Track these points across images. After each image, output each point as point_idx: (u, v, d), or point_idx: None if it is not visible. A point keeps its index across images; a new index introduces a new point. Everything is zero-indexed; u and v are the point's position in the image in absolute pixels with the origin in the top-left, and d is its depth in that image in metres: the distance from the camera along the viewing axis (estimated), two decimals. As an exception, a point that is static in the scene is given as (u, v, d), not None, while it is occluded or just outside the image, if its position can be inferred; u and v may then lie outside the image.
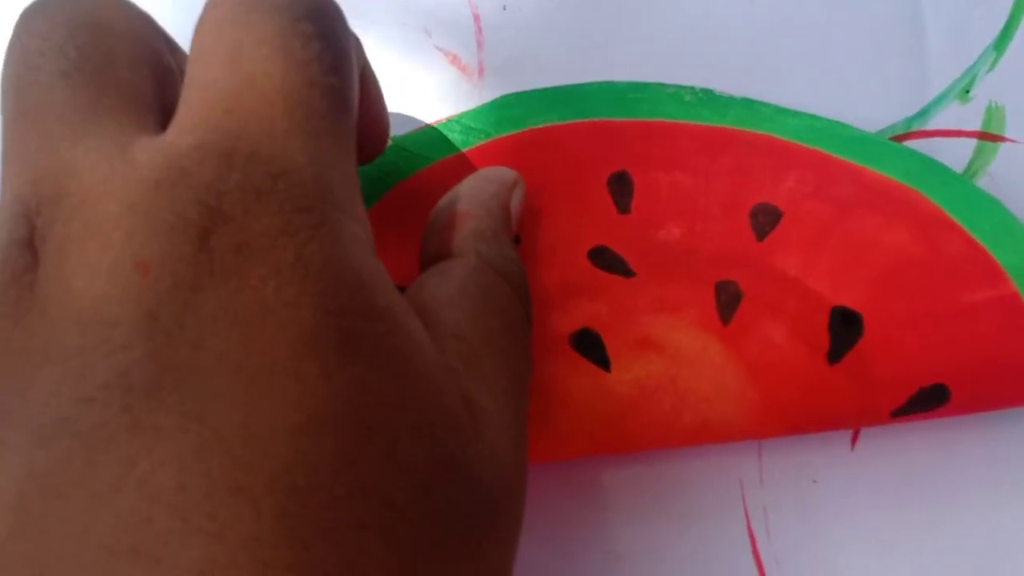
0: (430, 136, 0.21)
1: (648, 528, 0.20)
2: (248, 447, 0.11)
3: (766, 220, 0.19)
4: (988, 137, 0.22)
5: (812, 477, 0.20)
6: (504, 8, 0.22)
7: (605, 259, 0.20)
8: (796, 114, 0.21)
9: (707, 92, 0.21)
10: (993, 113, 0.22)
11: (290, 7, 0.13)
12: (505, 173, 0.19)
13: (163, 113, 0.14)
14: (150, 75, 0.14)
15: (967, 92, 0.22)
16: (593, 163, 0.20)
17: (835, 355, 0.19)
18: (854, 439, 0.20)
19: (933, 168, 0.20)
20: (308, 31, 0.13)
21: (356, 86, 0.14)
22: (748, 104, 0.21)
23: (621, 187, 0.20)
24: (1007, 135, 0.21)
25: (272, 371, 0.11)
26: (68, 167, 0.12)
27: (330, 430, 0.11)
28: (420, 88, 0.18)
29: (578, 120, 0.21)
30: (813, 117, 0.21)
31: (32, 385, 0.11)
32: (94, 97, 0.13)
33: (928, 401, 0.18)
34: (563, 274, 0.20)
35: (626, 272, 0.20)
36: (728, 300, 0.19)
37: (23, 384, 0.11)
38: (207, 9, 0.14)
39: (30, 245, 0.12)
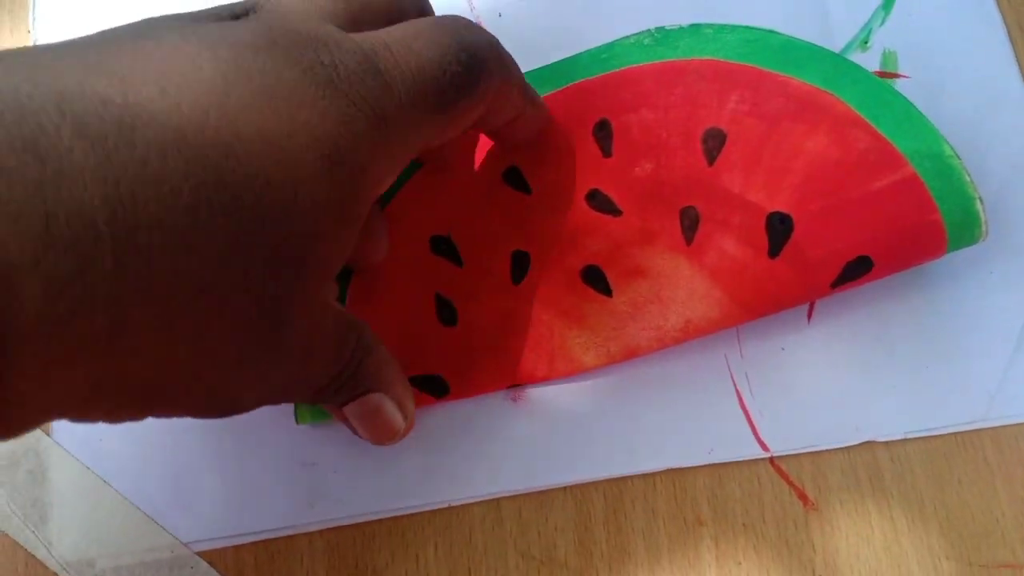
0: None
1: (661, 397, 0.25)
2: None
3: (714, 144, 0.24)
4: (886, 75, 0.27)
5: (781, 346, 0.25)
6: (500, 16, 0.28)
7: (599, 201, 0.25)
8: (734, 29, 0.25)
9: (660, 30, 0.25)
10: (888, 56, 0.28)
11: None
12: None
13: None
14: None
15: (866, 43, 0.28)
16: (580, 117, 0.25)
17: (774, 251, 0.23)
18: (809, 315, 0.25)
19: (845, 68, 0.24)
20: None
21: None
22: (694, 29, 0.25)
23: (603, 133, 0.25)
24: (900, 72, 0.27)
25: None
26: None
27: None
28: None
29: (565, 86, 0.25)
30: (748, 29, 0.25)
31: None
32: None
33: (856, 271, 0.23)
34: (570, 217, 0.25)
35: (615, 212, 0.25)
36: (690, 224, 0.24)
37: None
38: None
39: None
